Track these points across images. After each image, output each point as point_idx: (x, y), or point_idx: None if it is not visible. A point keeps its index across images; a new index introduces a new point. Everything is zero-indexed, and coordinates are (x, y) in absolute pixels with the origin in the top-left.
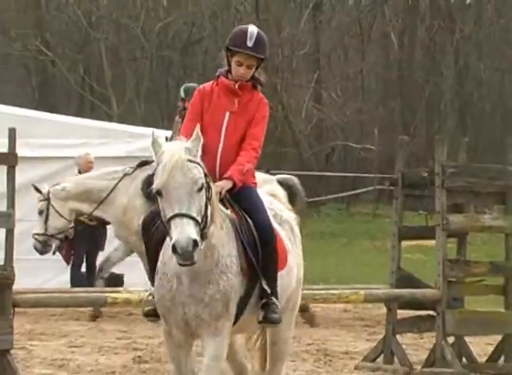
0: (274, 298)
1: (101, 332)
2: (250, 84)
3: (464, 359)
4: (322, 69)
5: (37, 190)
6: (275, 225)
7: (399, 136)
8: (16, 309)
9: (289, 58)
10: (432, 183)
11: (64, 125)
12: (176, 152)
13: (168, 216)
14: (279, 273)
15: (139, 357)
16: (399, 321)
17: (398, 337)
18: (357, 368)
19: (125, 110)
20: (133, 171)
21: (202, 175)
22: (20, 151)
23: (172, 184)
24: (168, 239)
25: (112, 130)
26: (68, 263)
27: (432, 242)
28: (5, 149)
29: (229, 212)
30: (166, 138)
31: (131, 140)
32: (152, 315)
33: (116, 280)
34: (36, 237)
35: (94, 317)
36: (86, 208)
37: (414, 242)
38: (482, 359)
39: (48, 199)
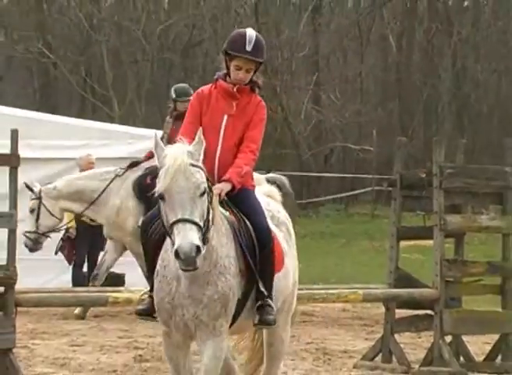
0: (269, 300)
1: (102, 331)
2: (249, 87)
3: (461, 358)
4: (321, 71)
5: (29, 188)
6: (272, 227)
7: (397, 137)
8: (19, 309)
9: (289, 61)
10: (430, 184)
11: (66, 126)
12: (178, 156)
13: (170, 221)
14: (276, 275)
15: (140, 356)
16: (397, 320)
17: (396, 336)
18: (355, 367)
19: (126, 112)
20: (124, 172)
21: (204, 179)
22: (22, 152)
23: (175, 189)
24: (166, 241)
25: (114, 132)
26: (70, 263)
27: (429, 242)
28: (7, 150)
29: (227, 214)
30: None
31: (132, 141)
32: (144, 314)
33: (117, 280)
34: (27, 234)
35: (80, 318)
36: (77, 207)
37: (412, 242)
38: (480, 358)
39: (39, 198)
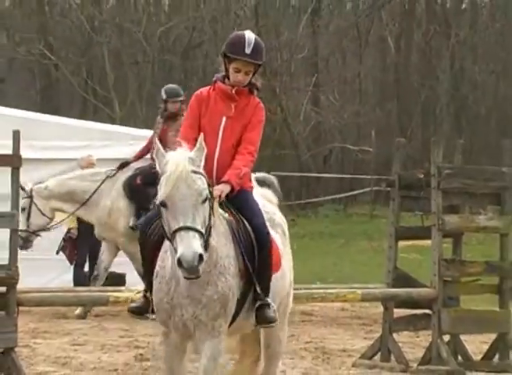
0: (268, 299)
1: (103, 330)
2: (247, 89)
3: (459, 357)
4: (320, 72)
5: (21, 187)
6: (268, 228)
7: (395, 138)
8: (21, 308)
9: (288, 62)
10: (428, 184)
11: (67, 127)
12: (180, 163)
13: (173, 228)
14: (274, 276)
15: (141, 355)
16: (395, 320)
17: (395, 335)
18: (354, 365)
19: (127, 113)
20: (115, 173)
21: (206, 186)
22: (24, 152)
23: (177, 196)
24: (165, 242)
25: (115, 133)
26: (71, 263)
27: (427, 242)
28: (9, 151)
29: (226, 215)
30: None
31: (133, 142)
32: (137, 312)
33: (118, 280)
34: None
35: (81, 318)
36: (68, 207)
37: (410, 242)
38: (477, 357)
39: (30, 197)
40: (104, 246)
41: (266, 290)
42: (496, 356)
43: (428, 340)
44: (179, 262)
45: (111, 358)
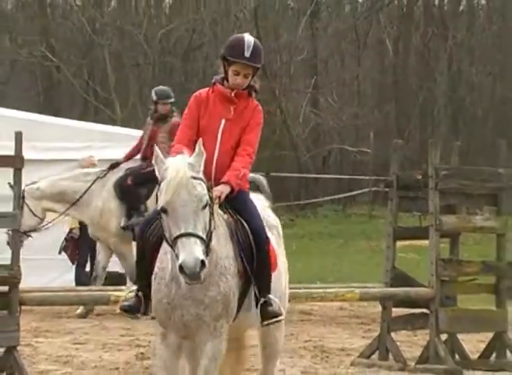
0: (270, 296)
1: (104, 329)
2: (246, 92)
3: (456, 356)
4: (319, 74)
5: (12, 187)
6: None
7: (393, 140)
8: (23, 307)
9: (287, 64)
10: (426, 185)
11: (68, 128)
12: (180, 169)
13: (174, 235)
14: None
15: (141, 354)
16: (393, 319)
17: (393, 334)
18: (352, 364)
19: (128, 114)
20: (105, 174)
21: (206, 191)
22: (26, 153)
23: (178, 202)
24: (164, 244)
25: (115, 134)
26: (73, 263)
27: (425, 242)
28: (11, 152)
29: (226, 216)
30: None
31: (134, 143)
32: (129, 311)
33: (119, 279)
34: (9, 233)
35: (82, 317)
36: (59, 208)
37: (408, 242)
38: (475, 356)
39: (22, 197)
40: (99, 246)
41: (267, 288)
42: (493, 355)
43: (425, 339)
44: (181, 269)
45: (112, 357)
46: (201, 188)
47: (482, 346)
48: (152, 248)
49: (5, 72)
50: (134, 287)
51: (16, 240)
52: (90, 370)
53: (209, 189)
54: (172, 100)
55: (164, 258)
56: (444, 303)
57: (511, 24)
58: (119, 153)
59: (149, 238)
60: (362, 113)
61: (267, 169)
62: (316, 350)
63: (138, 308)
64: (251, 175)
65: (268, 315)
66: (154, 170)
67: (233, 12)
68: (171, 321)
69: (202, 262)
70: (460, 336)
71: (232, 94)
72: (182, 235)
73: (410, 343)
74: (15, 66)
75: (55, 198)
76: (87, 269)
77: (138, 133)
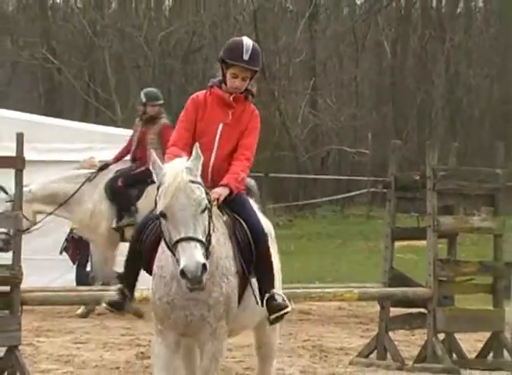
0: (273, 290)
1: (105, 329)
2: (243, 96)
3: (454, 355)
4: (318, 76)
5: (4, 191)
6: None
7: (391, 141)
8: (24, 307)
9: (286, 66)
10: (424, 186)
11: (70, 130)
12: (178, 174)
13: (174, 239)
14: None
15: (142, 353)
16: (391, 318)
17: (391, 333)
18: (351, 363)
19: (128, 116)
20: (95, 176)
21: (204, 195)
22: (28, 155)
23: (177, 207)
24: (162, 243)
25: (116, 135)
26: (74, 263)
27: (423, 243)
28: (13, 153)
29: (225, 217)
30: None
31: None
32: (114, 307)
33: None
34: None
35: (83, 317)
36: (50, 210)
37: (406, 243)
38: (472, 355)
39: (13, 201)
40: (92, 247)
41: (271, 283)
42: (491, 354)
43: (423, 338)
44: (183, 273)
45: (112, 357)
46: (200, 192)
47: (480, 345)
48: (150, 248)
49: (7, 74)
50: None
51: (18, 240)
52: (91, 369)
53: (207, 192)
54: (161, 102)
55: (162, 258)
56: (442, 303)
57: (508, 26)
58: None
59: (146, 240)
60: (360, 114)
61: (266, 169)
62: (315, 349)
63: (123, 306)
64: None
65: (275, 308)
66: (144, 172)
67: (233, 14)
68: (170, 320)
69: (203, 265)
70: (457, 335)
71: (231, 99)
72: (182, 239)
73: (408, 342)
74: (16, 67)
75: (46, 200)
76: (88, 269)
77: None
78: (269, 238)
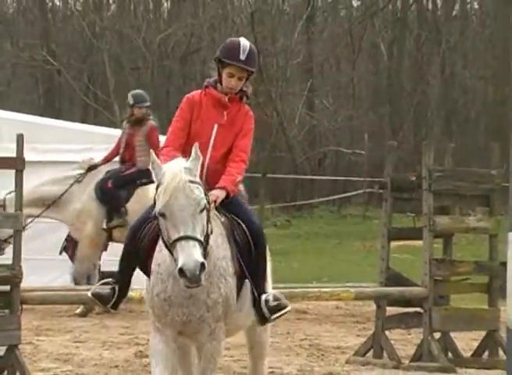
0: (270, 290)
1: (104, 328)
2: (238, 97)
3: (449, 354)
4: (315, 77)
5: None
6: None
7: (388, 141)
8: (24, 306)
9: (284, 68)
10: (420, 186)
11: (69, 131)
12: (176, 174)
13: (173, 238)
14: None
15: (140, 352)
16: (388, 318)
17: (387, 332)
18: (348, 362)
19: None
20: (84, 177)
21: (203, 195)
22: (27, 155)
23: (176, 207)
24: (159, 242)
25: (115, 136)
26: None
27: (419, 243)
28: (13, 154)
29: (223, 218)
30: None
31: None
32: (98, 298)
33: None
34: None
35: (83, 315)
36: (38, 212)
37: (402, 243)
38: (467, 354)
39: (2, 206)
40: None
41: (265, 283)
42: (486, 353)
43: (419, 337)
44: (182, 272)
45: (111, 355)
46: (199, 192)
47: (475, 344)
48: (148, 247)
49: (7, 75)
50: (135, 286)
51: (18, 240)
52: (90, 368)
53: (206, 193)
54: (148, 104)
55: (159, 256)
56: (437, 302)
57: (504, 28)
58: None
59: (142, 240)
60: (357, 115)
61: (264, 170)
62: (312, 348)
63: (109, 301)
64: None
65: (274, 308)
66: (134, 173)
67: (231, 17)
68: (168, 317)
69: (202, 264)
70: (453, 334)
71: (226, 99)
72: (181, 238)
73: (404, 341)
74: (16, 69)
75: (36, 203)
76: None
77: None
78: None
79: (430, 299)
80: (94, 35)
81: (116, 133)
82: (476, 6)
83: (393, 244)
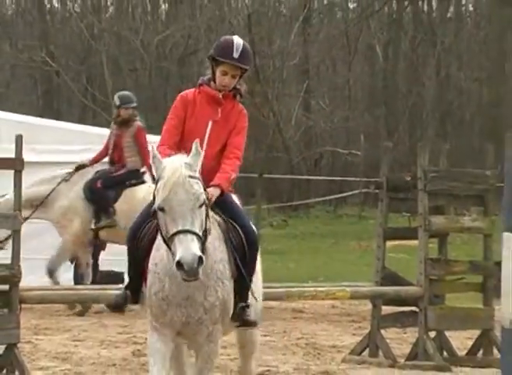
0: (248, 301)
1: (102, 327)
2: (232, 94)
3: (444, 353)
4: (311, 79)
5: None
6: None
7: (383, 142)
8: (23, 305)
9: (280, 69)
10: (415, 186)
11: (67, 132)
12: (177, 168)
13: (171, 232)
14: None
15: (138, 350)
16: (383, 317)
17: (382, 331)
18: (344, 361)
19: None
20: (71, 176)
21: (203, 190)
22: (26, 156)
23: (176, 201)
24: (157, 242)
25: None
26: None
27: (414, 242)
28: (12, 154)
29: (218, 218)
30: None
31: None
32: (113, 308)
33: (116, 278)
34: None
35: (81, 314)
36: (28, 214)
37: (397, 242)
38: (462, 353)
39: None
40: None
41: (249, 289)
42: (480, 352)
43: (414, 336)
44: (180, 265)
45: (109, 354)
46: (198, 187)
47: (470, 343)
48: (146, 247)
49: (6, 76)
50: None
51: (17, 240)
52: (89, 366)
53: (205, 189)
54: (135, 105)
55: (156, 255)
56: (432, 301)
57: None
58: None
59: (142, 240)
60: (353, 116)
61: (260, 170)
62: (308, 347)
63: (124, 306)
64: None
65: (245, 321)
66: (123, 174)
67: (228, 18)
68: (167, 317)
69: (200, 258)
70: (448, 333)
71: (220, 96)
72: (179, 232)
73: (400, 340)
74: (15, 70)
75: (26, 205)
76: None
77: None
78: None
79: (425, 298)
80: (93, 37)
81: None
82: (471, 8)
83: (389, 243)
